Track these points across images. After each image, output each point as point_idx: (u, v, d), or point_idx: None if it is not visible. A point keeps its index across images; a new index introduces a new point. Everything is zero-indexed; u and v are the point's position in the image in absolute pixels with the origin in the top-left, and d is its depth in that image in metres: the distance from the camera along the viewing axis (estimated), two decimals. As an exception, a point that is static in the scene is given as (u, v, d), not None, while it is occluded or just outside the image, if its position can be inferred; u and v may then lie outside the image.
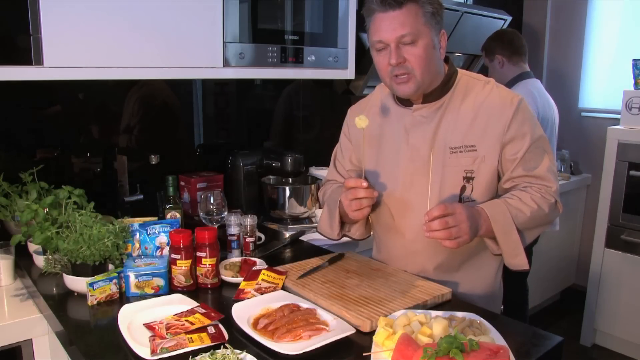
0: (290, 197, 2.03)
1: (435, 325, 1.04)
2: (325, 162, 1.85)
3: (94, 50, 1.50)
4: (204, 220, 1.61)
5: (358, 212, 1.34)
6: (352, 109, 1.62)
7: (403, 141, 1.43)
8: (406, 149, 1.42)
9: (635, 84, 2.95)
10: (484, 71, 2.81)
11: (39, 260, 1.50)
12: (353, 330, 1.12)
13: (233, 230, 1.65)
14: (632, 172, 2.91)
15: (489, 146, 1.36)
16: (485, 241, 1.38)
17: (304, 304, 1.23)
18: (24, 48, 1.41)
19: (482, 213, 1.30)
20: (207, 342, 1.05)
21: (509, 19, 3.02)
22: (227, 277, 1.45)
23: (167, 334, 1.07)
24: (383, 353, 1.00)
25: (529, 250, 2.58)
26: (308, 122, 2.63)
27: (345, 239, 1.62)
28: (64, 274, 1.36)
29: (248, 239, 1.68)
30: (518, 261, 1.35)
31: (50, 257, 1.45)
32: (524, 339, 1.12)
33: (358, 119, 1.33)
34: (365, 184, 1.30)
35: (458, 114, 1.38)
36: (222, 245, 1.53)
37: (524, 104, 1.38)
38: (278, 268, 1.46)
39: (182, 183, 2.01)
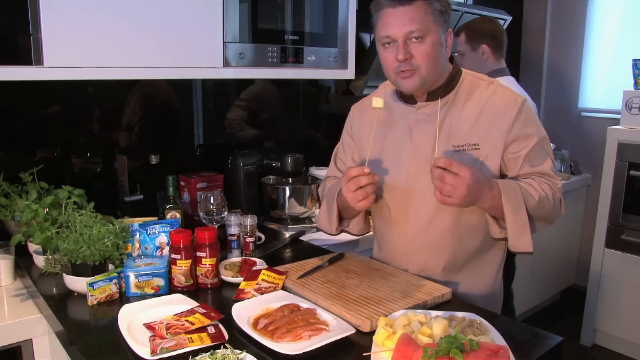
0: (290, 197, 2.03)
1: (435, 325, 1.04)
2: (325, 163, 1.85)
3: (94, 50, 1.50)
4: (204, 220, 1.61)
5: (364, 201, 1.30)
6: (355, 106, 1.62)
7: (406, 139, 1.43)
8: (409, 146, 1.43)
9: (635, 84, 2.95)
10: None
11: (39, 260, 1.50)
12: (353, 330, 1.12)
13: (233, 230, 1.65)
14: (632, 172, 2.91)
15: (492, 145, 1.36)
16: (489, 221, 1.37)
17: (304, 304, 1.23)
18: (24, 48, 1.41)
19: (496, 187, 1.29)
20: (207, 342, 1.05)
21: (509, 18, 3.02)
22: (227, 277, 1.45)
23: (167, 334, 1.07)
24: (383, 353, 1.00)
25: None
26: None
27: (346, 237, 1.62)
28: (64, 274, 1.36)
29: (248, 239, 1.68)
30: (523, 242, 1.33)
31: (50, 257, 1.45)
32: (524, 339, 1.12)
33: (374, 100, 1.33)
34: (367, 169, 1.28)
35: (462, 112, 1.39)
36: (222, 245, 1.53)
37: (527, 105, 1.39)
38: (278, 268, 1.46)
39: (182, 183, 2.01)
